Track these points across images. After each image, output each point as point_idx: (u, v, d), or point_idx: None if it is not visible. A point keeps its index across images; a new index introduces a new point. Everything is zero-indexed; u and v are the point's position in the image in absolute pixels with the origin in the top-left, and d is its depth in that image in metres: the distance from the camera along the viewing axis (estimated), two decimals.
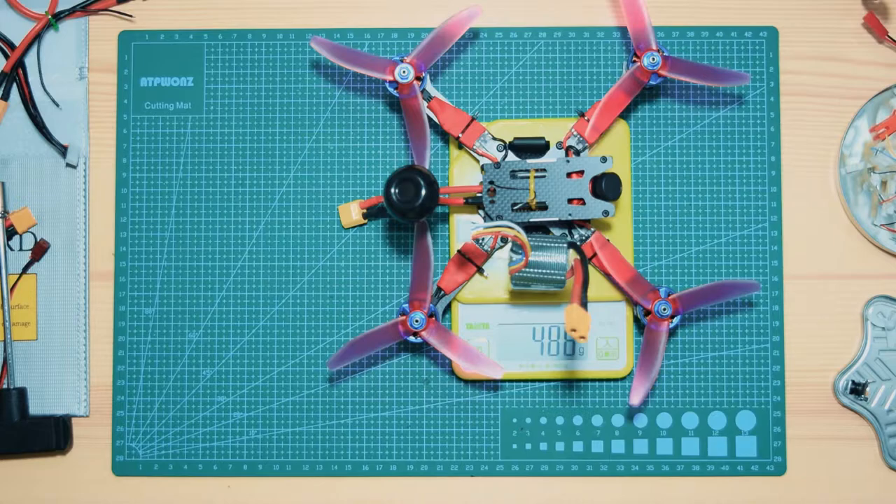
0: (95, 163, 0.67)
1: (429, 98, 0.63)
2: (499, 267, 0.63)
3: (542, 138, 0.62)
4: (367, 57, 0.62)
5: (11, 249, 0.66)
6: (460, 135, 0.62)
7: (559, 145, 0.63)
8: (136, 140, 0.67)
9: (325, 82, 0.67)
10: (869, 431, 0.65)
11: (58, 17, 0.66)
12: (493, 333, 0.64)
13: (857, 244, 0.66)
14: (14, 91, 0.66)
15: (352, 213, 0.65)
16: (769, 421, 0.65)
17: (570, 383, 0.65)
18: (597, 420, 0.65)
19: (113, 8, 0.67)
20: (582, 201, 0.61)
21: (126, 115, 0.67)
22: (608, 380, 0.65)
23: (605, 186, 0.60)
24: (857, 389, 0.65)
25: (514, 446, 0.65)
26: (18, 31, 0.66)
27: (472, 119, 0.63)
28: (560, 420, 0.65)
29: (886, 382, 0.65)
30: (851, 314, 0.66)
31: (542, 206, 0.61)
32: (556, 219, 0.61)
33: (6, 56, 0.66)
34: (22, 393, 0.65)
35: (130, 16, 0.67)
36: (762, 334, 0.65)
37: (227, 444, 0.65)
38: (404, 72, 0.61)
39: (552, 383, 0.66)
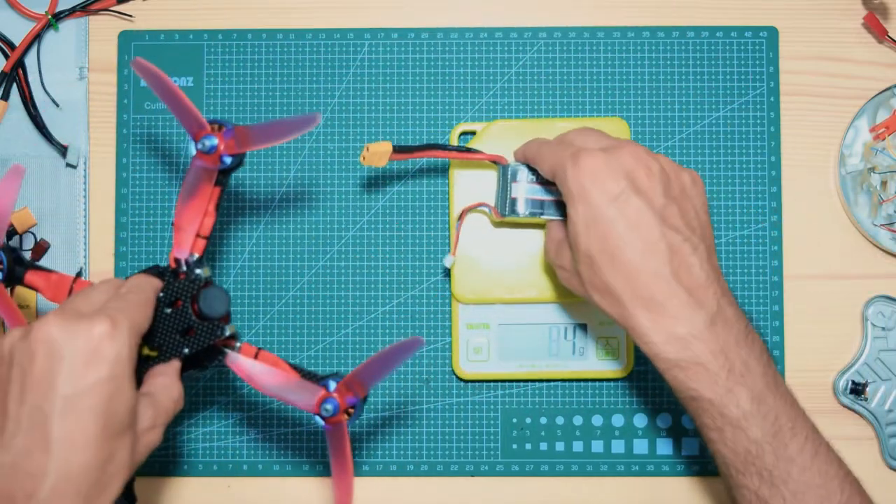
0: (95, 163, 0.67)
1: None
2: (499, 267, 0.63)
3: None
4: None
5: None
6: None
7: None
8: (136, 140, 0.67)
9: (325, 82, 0.67)
10: (869, 431, 0.65)
11: (58, 17, 0.66)
12: (493, 333, 0.64)
13: (857, 244, 0.66)
14: (14, 91, 0.66)
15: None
16: None
17: (570, 383, 0.65)
18: (597, 420, 0.65)
19: (113, 8, 0.67)
20: None
21: (126, 115, 0.67)
22: (608, 380, 0.65)
23: None
24: (857, 389, 0.65)
25: (514, 446, 0.65)
26: (18, 31, 0.66)
27: None
28: (560, 420, 0.65)
29: (886, 382, 0.65)
30: (851, 314, 0.66)
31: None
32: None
33: (6, 56, 0.66)
34: None
35: (130, 16, 0.67)
36: (762, 334, 0.65)
37: (227, 444, 0.65)
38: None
39: (552, 383, 0.66)
